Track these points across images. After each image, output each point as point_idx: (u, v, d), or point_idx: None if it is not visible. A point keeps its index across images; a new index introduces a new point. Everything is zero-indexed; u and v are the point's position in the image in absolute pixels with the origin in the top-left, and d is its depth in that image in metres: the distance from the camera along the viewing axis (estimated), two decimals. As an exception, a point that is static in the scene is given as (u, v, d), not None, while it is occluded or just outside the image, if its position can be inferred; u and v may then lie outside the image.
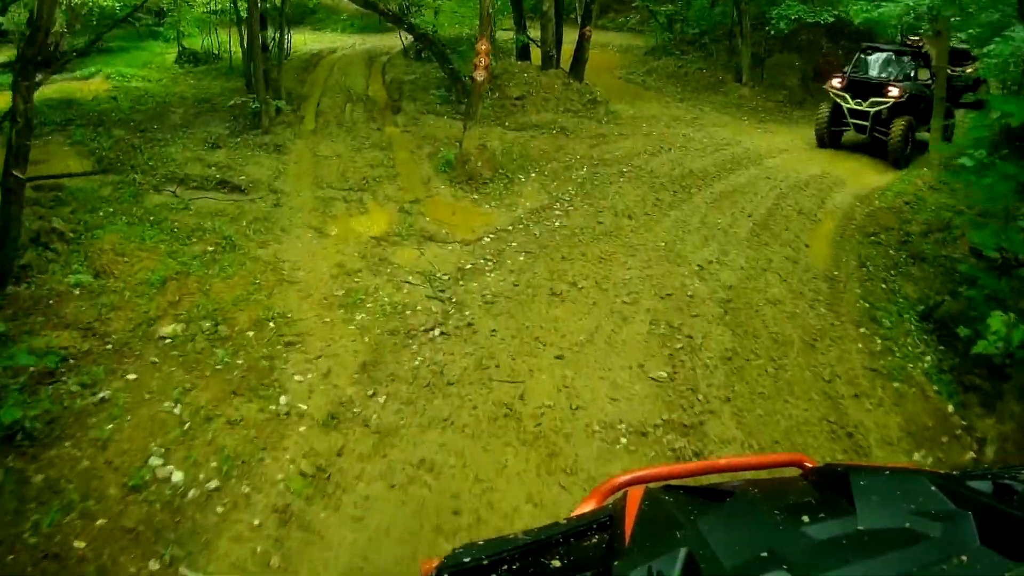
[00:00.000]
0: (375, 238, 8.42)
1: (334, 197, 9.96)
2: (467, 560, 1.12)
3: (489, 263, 7.53)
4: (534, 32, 16.69)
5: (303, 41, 20.93)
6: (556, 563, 1.12)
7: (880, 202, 10.30)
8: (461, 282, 7.12)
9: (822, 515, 1.07)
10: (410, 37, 17.04)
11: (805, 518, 1.06)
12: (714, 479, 1.66)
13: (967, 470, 1.83)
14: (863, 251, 8.45)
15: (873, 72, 12.59)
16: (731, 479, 1.71)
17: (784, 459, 1.66)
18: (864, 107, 12.10)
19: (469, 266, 7.51)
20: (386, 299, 6.85)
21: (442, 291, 6.94)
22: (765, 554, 0.95)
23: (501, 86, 14.86)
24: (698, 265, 7.45)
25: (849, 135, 12.88)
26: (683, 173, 10.80)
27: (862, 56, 12.81)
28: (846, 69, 12.97)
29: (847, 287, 7.54)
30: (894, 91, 12.09)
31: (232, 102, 13.98)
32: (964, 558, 0.93)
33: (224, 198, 9.73)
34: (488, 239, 8.32)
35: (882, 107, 11.99)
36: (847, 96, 12.30)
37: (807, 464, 1.53)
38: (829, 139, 12.71)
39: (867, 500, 1.08)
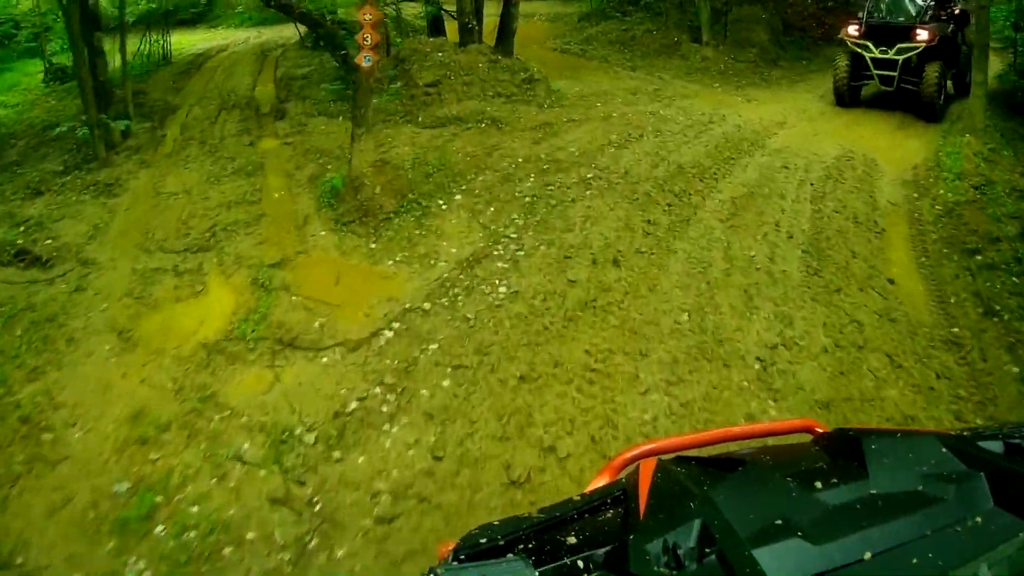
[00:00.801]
0: (206, 346, 5.03)
1: (162, 267, 6.58)
2: (483, 541, 1.10)
3: (390, 397, 4.21)
4: (448, 3, 13.25)
5: (192, 42, 18.16)
6: (572, 539, 1.09)
7: (944, 189, 7.41)
8: (336, 453, 3.79)
9: (835, 480, 1.05)
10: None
11: (818, 484, 1.04)
12: (725, 448, 1.39)
13: (978, 430, 1.24)
14: (974, 281, 5.46)
15: (893, 15, 10.41)
16: (742, 447, 1.48)
17: (795, 425, 1.61)
18: (891, 55, 9.96)
19: (354, 406, 4.18)
20: (195, 509, 3.49)
21: (301, 480, 3.60)
22: (779, 522, 0.93)
23: (409, 71, 11.43)
24: (757, 362, 4.30)
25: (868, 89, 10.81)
26: (670, 172, 7.64)
27: (873, 1, 10.62)
28: (860, 15, 10.52)
29: (987, 358, 4.54)
30: (923, 34, 9.84)
31: (61, 130, 10.35)
32: (978, 519, 0.91)
33: (15, 279, 6.42)
34: (389, 334, 5.04)
35: (911, 53, 9.84)
36: (869, 44, 10.10)
37: (818, 429, 1.49)
38: (850, 97, 10.67)
39: (879, 464, 1.06)
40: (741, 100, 10.97)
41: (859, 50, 10.18)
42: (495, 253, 6.12)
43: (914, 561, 0.87)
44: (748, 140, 8.74)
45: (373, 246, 6.78)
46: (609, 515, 1.20)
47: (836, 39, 11.61)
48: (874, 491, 1.01)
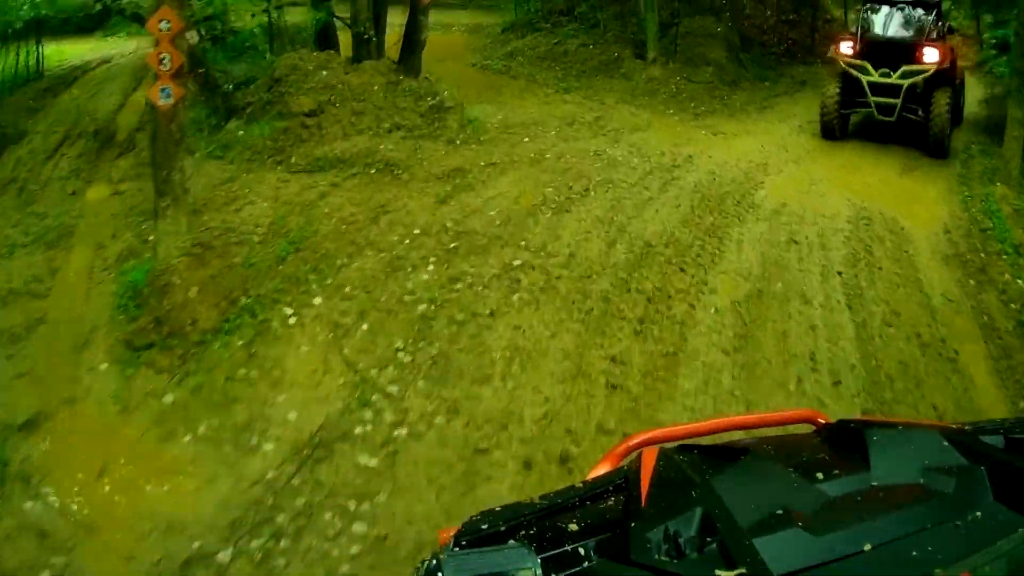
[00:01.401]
0: None
1: None
2: (485, 527, 1.08)
3: None
4: (342, 9, 10.63)
5: (79, 52, 15.15)
6: (573, 526, 1.08)
7: (1007, 272, 5.37)
8: None
9: (836, 471, 1.05)
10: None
11: (819, 475, 1.03)
12: (728, 438, 1.47)
13: (979, 424, 1.35)
14: None
15: (892, 31, 8.59)
16: (745, 437, 1.46)
17: (798, 415, 1.59)
18: (894, 79, 8.08)
19: None
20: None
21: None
22: (780, 512, 0.94)
23: (284, 95, 8.80)
24: None
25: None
26: (635, 255, 5.30)
27: (867, 14, 8.77)
28: (854, 29, 8.75)
29: None
30: (932, 54, 8.06)
31: None
32: (978, 514, 0.92)
33: None
34: None
35: (918, 78, 8.03)
36: (867, 65, 8.20)
37: (820, 420, 1.46)
38: (840, 129, 8.67)
39: (881, 456, 1.06)
40: (705, 133, 8.72)
41: (855, 72, 8.24)
42: (358, 431, 3.56)
43: (913, 554, 0.86)
44: (731, 195, 6.44)
45: (170, 399, 4.14)
46: (611, 502, 1.19)
47: (825, 57, 9.74)
48: (875, 483, 1.01)
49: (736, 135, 8.71)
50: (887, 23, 8.52)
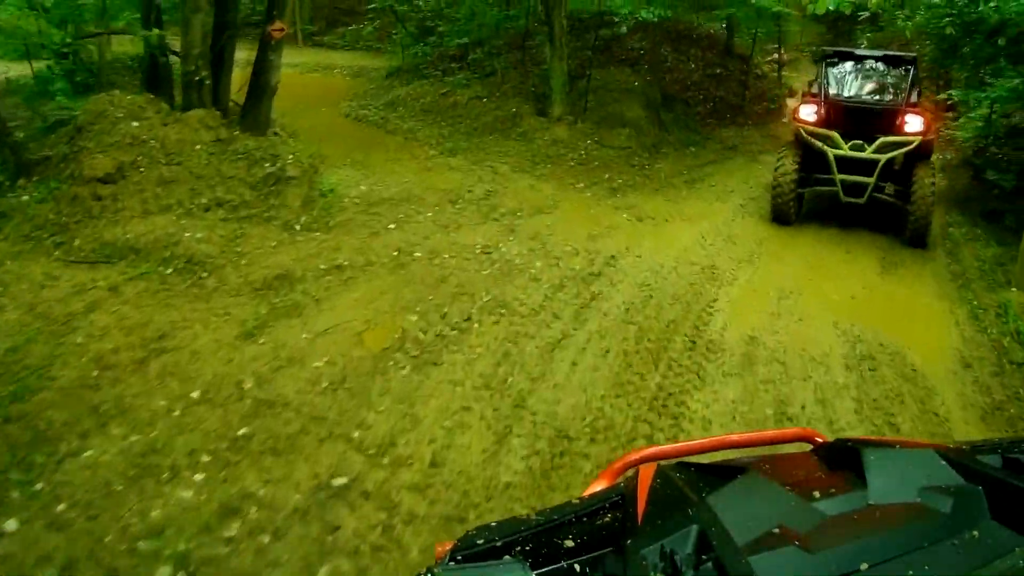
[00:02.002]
0: None
1: None
2: (480, 542, 1.05)
3: None
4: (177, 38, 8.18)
5: None
6: (569, 543, 1.06)
7: None
8: None
9: (833, 490, 1.01)
10: None
11: (816, 493, 1.00)
12: (724, 456, 1.36)
13: (976, 444, 1.15)
14: None
15: (865, 94, 7.21)
16: (742, 455, 1.41)
17: (794, 434, 1.54)
18: (869, 153, 6.60)
19: None
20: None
21: None
22: (776, 530, 0.91)
23: (80, 152, 6.43)
24: None
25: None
26: (545, 465, 3.20)
27: (829, 70, 7.27)
28: (815, 88, 7.26)
29: None
30: (916, 123, 6.62)
31: None
32: (975, 533, 0.88)
33: None
34: None
35: (899, 151, 6.58)
36: (836, 137, 6.67)
37: (817, 439, 1.44)
38: (796, 212, 7.17)
39: (878, 475, 1.02)
40: (628, 218, 6.76)
41: (819, 144, 6.66)
42: None
43: (910, 573, 0.83)
44: (679, 328, 4.40)
45: None
46: (607, 519, 1.16)
47: (756, 119, 8.09)
48: (872, 502, 0.98)
49: (667, 220, 6.80)
50: (857, 83, 7.11)
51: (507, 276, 4.95)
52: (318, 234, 5.91)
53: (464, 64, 12.04)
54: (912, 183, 6.45)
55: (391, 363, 3.87)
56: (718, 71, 11.66)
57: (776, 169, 6.92)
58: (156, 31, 7.95)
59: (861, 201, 6.63)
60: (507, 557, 1.00)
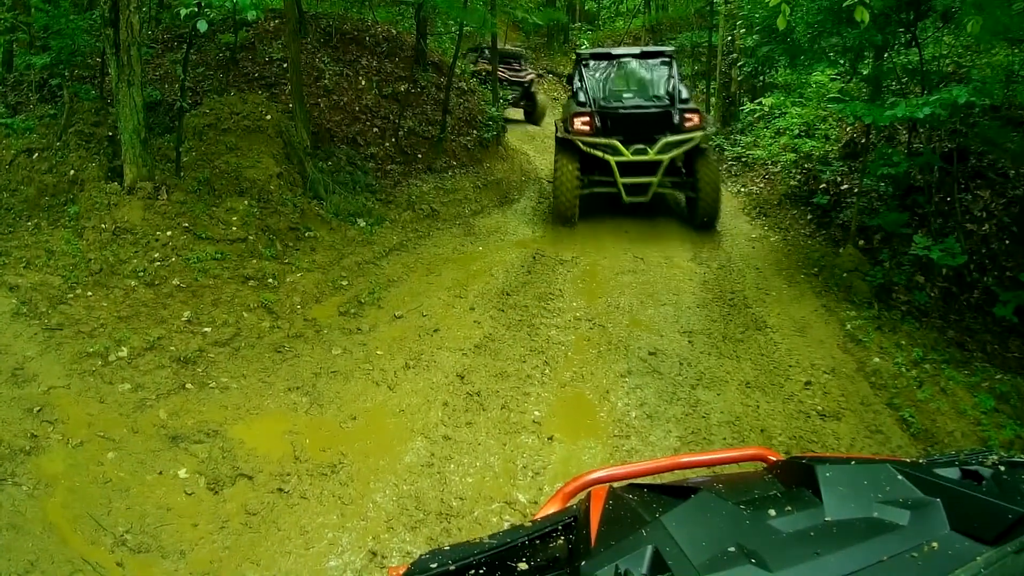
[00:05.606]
0: None
1: None
2: (434, 566, 1.09)
3: None
4: None
5: None
6: (523, 566, 1.09)
7: None
8: None
9: (788, 508, 1.04)
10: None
11: (772, 511, 1.03)
12: (678, 476, 1.45)
13: (933, 458, 1.37)
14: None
15: (637, 98, 7.44)
16: (695, 475, 1.50)
17: (748, 454, 1.57)
18: (652, 155, 7.04)
19: None
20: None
21: None
22: (732, 549, 0.93)
23: None
24: None
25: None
26: None
27: (588, 74, 7.61)
28: (581, 95, 7.46)
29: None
30: (694, 119, 7.25)
31: None
32: (935, 544, 0.91)
33: None
34: None
35: (681, 149, 7.12)
36: (618, 145, 7.12)
37: (771, 458, 1.46)
38: (576, 214, 7.51)
39: (833, 491, 1.05)
40: (190, 493, 3.45)
41: (600, 154, 7.12)
42: None
43: None
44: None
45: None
46: (560, 542, 1.17)
47: (469, 160, 8.43)
48: (828, 518, 0.99)
49: (281, 489, 3.57)
50: (623, 84, 7.45)
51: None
52: None
53: (45, 96, 8.09)
54: (697, 174, 6.91)
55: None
56: (404, 88, 8.67)
57: (555, 180, 7.27)
58: None
59: (645, 199, 7.10)
60: None
